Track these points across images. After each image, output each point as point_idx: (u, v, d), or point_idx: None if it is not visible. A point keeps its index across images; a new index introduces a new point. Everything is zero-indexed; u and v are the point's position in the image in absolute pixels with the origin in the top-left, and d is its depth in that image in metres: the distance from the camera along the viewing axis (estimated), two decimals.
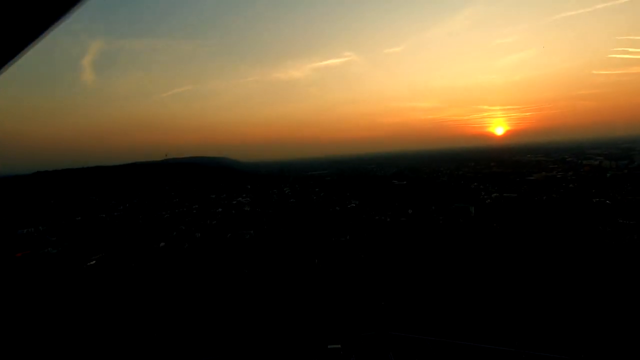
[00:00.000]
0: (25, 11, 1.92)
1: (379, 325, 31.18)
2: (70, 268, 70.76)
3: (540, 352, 25.58)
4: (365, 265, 63.40)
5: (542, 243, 67.63)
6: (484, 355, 20.34)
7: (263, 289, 55.52)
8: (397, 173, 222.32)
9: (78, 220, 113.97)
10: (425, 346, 19.03)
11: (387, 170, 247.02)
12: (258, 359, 22.08)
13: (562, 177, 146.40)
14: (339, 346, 20.45)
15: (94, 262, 74.42)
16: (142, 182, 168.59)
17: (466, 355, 19.50)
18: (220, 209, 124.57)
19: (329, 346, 20.55)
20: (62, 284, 62.14)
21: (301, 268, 64.04)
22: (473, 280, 53.05)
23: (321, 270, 62.52)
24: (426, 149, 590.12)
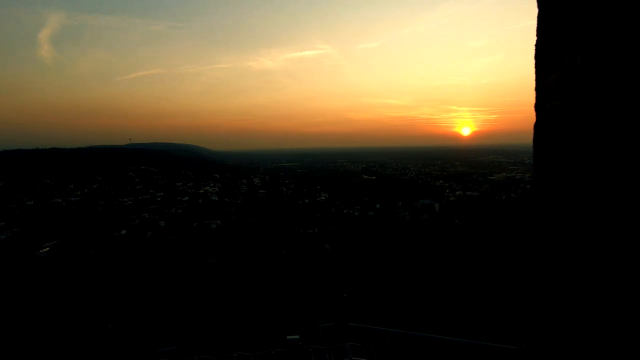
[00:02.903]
0: None
1: (340, 316, 31.93)
2: (20, 255, 66.51)
3: (490, 342, 26.99)
4: (331, 258, 64.33)
5: (499, 238, 71.37)
6: (436, 346, 21.34)
7: (227, 279, 54.99)
8: (367, 168, 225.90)
9: (30, 205, 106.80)
10: (381, 337, 19.75)
11: (357, 165, 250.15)
12: (215, 349, 22.04)
13: (520, 178, 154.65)
14: (298, 337, 20.78)
15: (47, 249, 70.38)
16: (102, 166, 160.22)
17: (420, 346, 20.42)
18: (186, 198, 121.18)
19: (287, 337, 20.84)
20: (9, 273, 58.36)
21: (268, 259, 63.98)
22: (432, 271, 55.27)
23: (288, 262, 62.77)
24: (395, 146, 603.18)
